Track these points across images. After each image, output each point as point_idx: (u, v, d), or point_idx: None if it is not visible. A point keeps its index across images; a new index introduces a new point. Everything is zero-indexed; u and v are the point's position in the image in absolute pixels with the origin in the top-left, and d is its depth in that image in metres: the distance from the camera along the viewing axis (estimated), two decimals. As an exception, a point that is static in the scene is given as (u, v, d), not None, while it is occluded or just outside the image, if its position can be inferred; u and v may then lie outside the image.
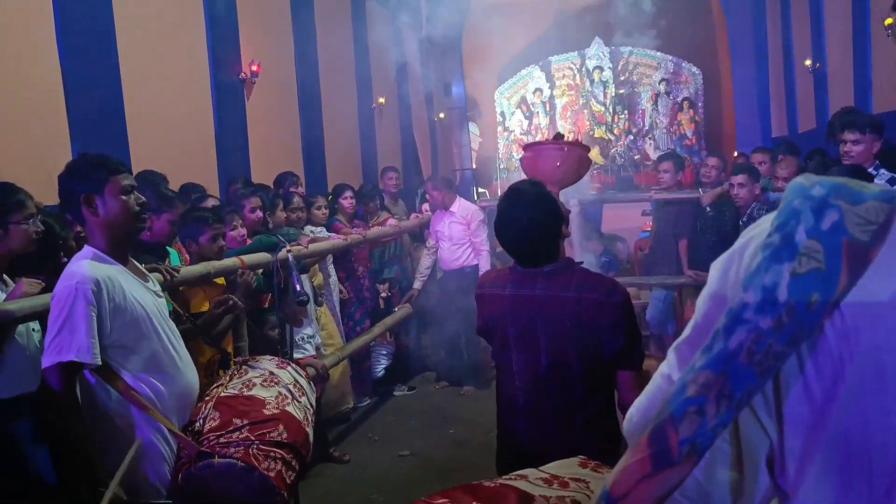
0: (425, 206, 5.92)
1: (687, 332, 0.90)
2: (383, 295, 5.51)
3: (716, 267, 0.88)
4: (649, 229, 6.84)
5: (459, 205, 5.56)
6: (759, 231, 0.84)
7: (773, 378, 0.81)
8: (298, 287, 3.32)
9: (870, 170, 3.60)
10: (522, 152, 4.13)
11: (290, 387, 2.17)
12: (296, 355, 3.73)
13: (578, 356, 1.95)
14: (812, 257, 0.75)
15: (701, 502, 0.87)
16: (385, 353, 5.51)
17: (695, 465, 0.78)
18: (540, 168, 3.88)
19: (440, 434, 4.64)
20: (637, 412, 0.94)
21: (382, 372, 5.47)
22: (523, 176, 11.62)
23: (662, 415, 0.79)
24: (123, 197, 2.07)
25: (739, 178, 4.50)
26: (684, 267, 5.26)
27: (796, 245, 0.76)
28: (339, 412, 4.77)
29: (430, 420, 4.92)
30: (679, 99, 12.67)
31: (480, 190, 11.79)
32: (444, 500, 1.15)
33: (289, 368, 2.29)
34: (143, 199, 2.13)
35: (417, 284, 5.63)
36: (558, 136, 4.14)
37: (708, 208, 5.09)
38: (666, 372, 0.90)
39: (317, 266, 4.63)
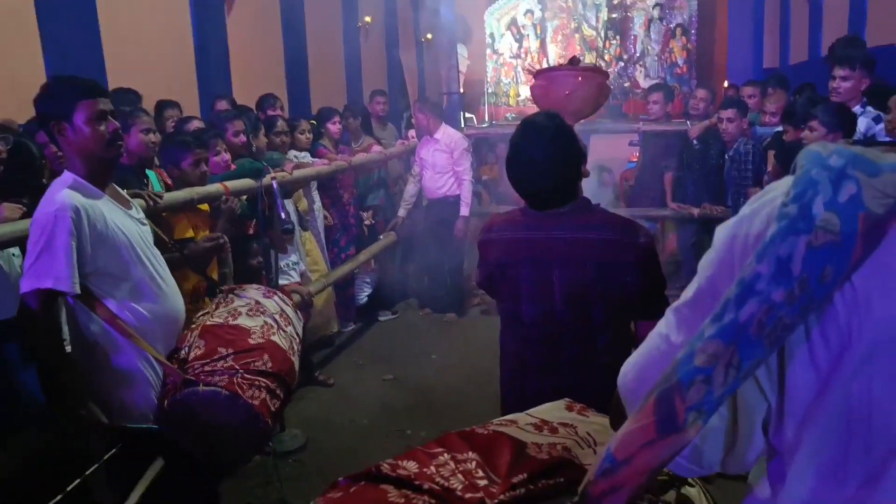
0: (411, 133, 5.84)
1: (689, 294, 0.89)
2: (367, 222, 5.49)
3: (722, 231, 0.87)
4: (636, 160, 6.83)
5: (444, 132, 5.49)
6: (770, 197, 0.83)
7: None
8: (283, 214, 3.29)
9: (856, 107, 3.59)
10: (532, 79, 3.87)
11: (276, 316, 2.19)
12: (280, 282, 3.75)
13: (601, 299, 1.85)
14: (828, 230, 0.75)
15: (693, 459, 0.89)
16: (368, 280, 5.55)
17: (699, 431, 0.79)
18: (553, 97, 3.70)
19: (423, 359, 4.74)
20: (632, 369, 0.94)
21: (365, 299, 5.52)
22: (511, 100, 11.42)
23: (669, 381, 0.80)
24: (94, 123, 2.00)
25: (728, 112, 4.46)
26: (668, 199, 5.28)
27: (814, 217, 0.75)
28: (324, 336, 4.84)
29: (414, 345, 5.02)
30: (672, 25, 12.39)
31: (468, 115, 11.59)
32: (441, 450, 1.16)
33: (275, 297, 2.30)
34: (117, 124, 2.07)
35: (402, 212, 5.62)
36: (574, 61, 3.87)
37: (695, 141, 5.07)
38: (664, 332, 0.91)
39: (301, 192, 4.60)
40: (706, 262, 0.88)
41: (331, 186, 5.08)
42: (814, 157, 0.78)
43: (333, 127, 5.16)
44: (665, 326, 0.91)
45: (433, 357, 4.78)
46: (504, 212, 2.09)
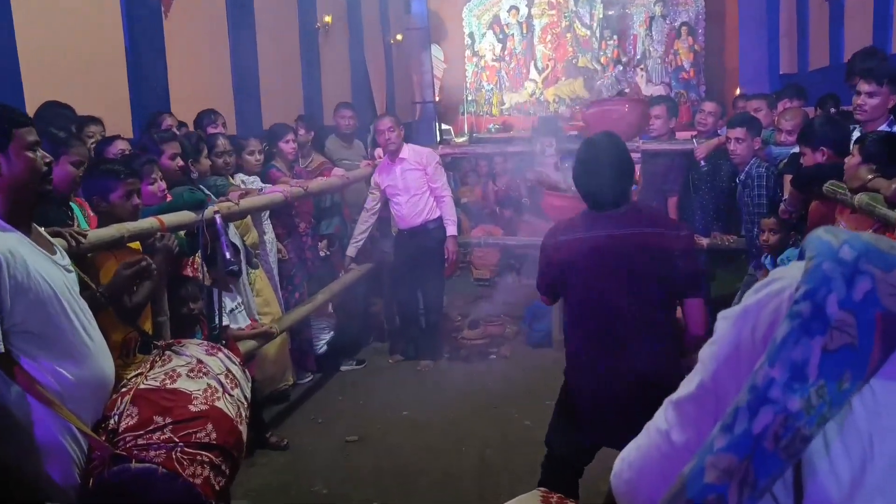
0: (378, 152, 5.92)
1: (691, 388, 0.94)
2: (321, 254, 5.56)
3: (726, 323, 0.92)
4: (635, 183, 6.96)
5: (410, 150, 5.59)
6: (777, 288, 0.87)
7: None
8: (228, 253, 3.32)
9: (883, 126, 3.74)
10: (587, 108, 5.11)
11: (221, 377, 2.22)
12: (232, 325, 3.77)
13: (658, 280, 2.50)
14: (845, 331, 0.79)
15: None
16: (325, 325, 5.57)
17: None
18: (602, 124, 4.44)
19: (393, 416, 4.76)
20: (627, 469, 0.98)
21: (325, 347, 5.53)
22: (494, 110, 11.63)
23: (678, 499, 0.83)
24: (29, 154, 2.04)
25: (737, 132, 4.59)
26: (673, 228, 5.43)
27: (828, 317, 0.79)
28: (277, 390, 4.84)
29: (382, 400, 5.03)
30: (677, 24, 12.68)
31: (444, 127, 11.74)
32: None
33: (220, 355, 2.33)
34: (50, 157, 2.10)
35: (351, 251, 5.67)
36: (621, 94, 4.96)
37: (702, 162, 5.20)
38: (663, 428, 0.95)
39: (250, 221, 4.63)
40: (709, 356, 0.93)
41: (285, 214, 5.13)
42: (825, 249, 0.82)
43: (287, 146, 5.22)
44: (665, 421, 0.95)
45: (405, 413, 4.80)
46: (568, 218, 2.76)
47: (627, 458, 0.99)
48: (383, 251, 6.03)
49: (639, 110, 5.24)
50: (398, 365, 5.75)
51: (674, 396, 0.97)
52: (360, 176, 5.85)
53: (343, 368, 5.65)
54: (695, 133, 5.70)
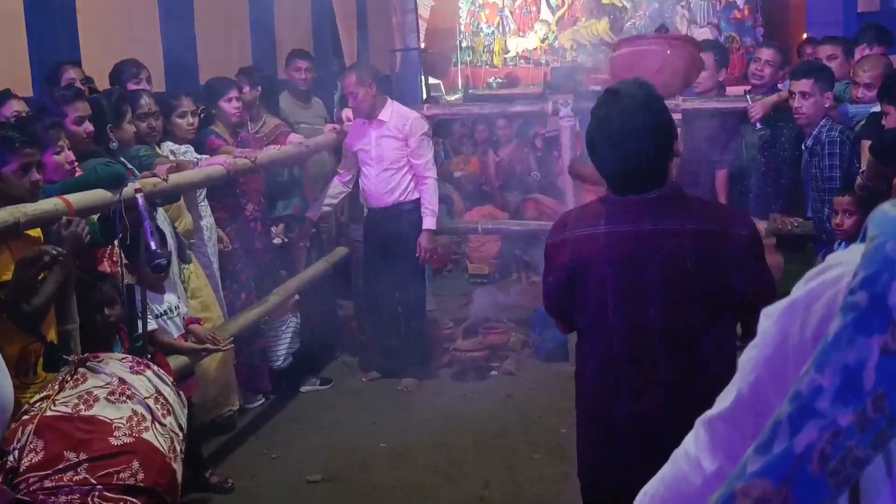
0: (347, 113, 5.93)
1: (725, 403, 0.95)
2: (277, 240, 5.58)
3: (769, 321, 0.93)
4: (676, 153, 6.96)
5: (392, 111, 5.61)
6: (834, 275, 0.88)
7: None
8: (153, 243, 3.33)
9: None
10: (613, 51, 4.58)
11: (150, 402, 2.23)
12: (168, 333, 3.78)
13: (702, 301, 2.33)
14: None
15: None
16: (291, 329, 5.58)
17: None
18: (636, 72, 4.07)
19: (368, 448, 4.78)
20: (650, 502, 1.01)
21: (282, 361, 5.55)
22: (496, 59, 11.67)
23: None
24: None
25: (802, 84, 4.61)
26: (723, 208, 5.45)
27: (890, 310, 0.79)
28: (221, 417, 4.85)
29: (355, 429, 5.05)
30: (727, -52, 12.67)
31: (432, 81, 11.73)
32: None
33: (147, 373, 2.34)
34: None
35: (313, 212, 5.77)
36: (662, 29, 4.50)
37: (759, 125, 5.23)
38: (693, 453, 0.97)
39: (183, 203, 4.63)
40: (748, 362, 0.94)
41: (228, 194, 5.14)
42: (891, 226, 0.83)
43: (229, 107, 5.22)
44: (694, 445, 0.97)
45: (383, 445, 4.82)
46: (579, 206, 2.60)
47: (650, 492, 1.01)
48: (353, 240, 6.05)
49: (687, 54, 4.96)
50: (374, 384, 5.77)
51: (706, 415, 0.99)
52: (324, 144, 5.86)
53: (304, 389, 5.67)
54: (749, 88, 5.71)
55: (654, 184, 2.34)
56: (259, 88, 5.69)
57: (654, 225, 2.33)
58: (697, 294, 2.32)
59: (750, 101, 5.31)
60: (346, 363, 6.11)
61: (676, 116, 6.56)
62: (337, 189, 5.83)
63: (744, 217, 2.45)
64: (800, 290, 0.91)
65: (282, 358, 5.55)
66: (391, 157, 5.58)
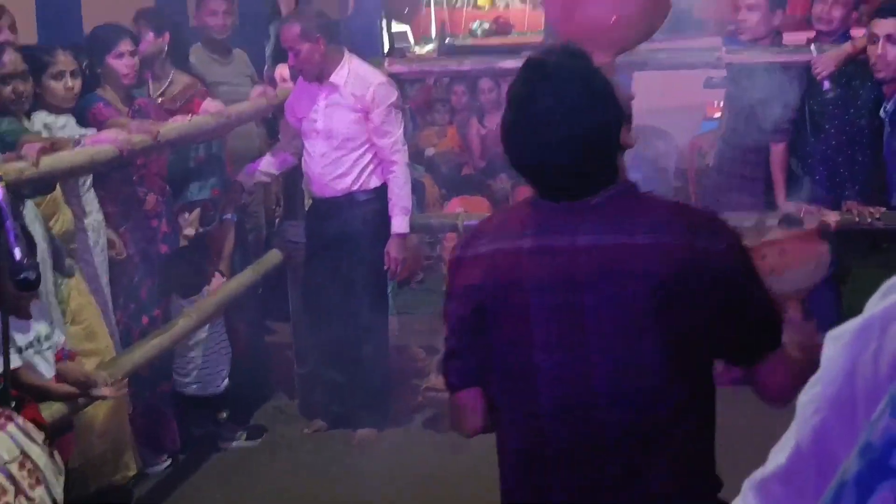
0: (282, 71, 5.93)
1: (781, 458, 0.98)
2: (188, 232, 5.61)
3: (836, 346, 0.95)
4: (717, 116, 6.96)
5: (349, 72, 5.61)
6: None
7: None
8: (18, 251, 3.31)
9: None
10: None
11: (13, 467, 2.22)
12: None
13: (663, 341, 2.20)
14: None
15: None
16: (224, 349, 5.63)
17: None
18: (580, 18, 4.02)
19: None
20: None
21: (226, 381, 5.58)
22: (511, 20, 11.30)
23: None
24: None
25: (885, 24, 4.65)
26: (779, 194, 5.50)
27: None
28: (113, 485, 4.81)
29: (294, 496, 5.04)
30: None
31: (397, 28, 11.69)
32: None
33: (10, 427, 2.34)
34: None
35: (244, 177, 5.87)
36: None
37: (827, 83, 5.27)
38: None
39: (59, 194, 4.60)
40: (808, 404, 0.96)
41: (121, 182, 5.13)
42: None
43: (121, 64, 5.20)
44: None
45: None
46: (502, 210, 2.42)
47: None
48: (290, 242, 6.07)
49: None
50: (319, 437, 5.78)
51: (756, 475, 1.01)
52: (250, 112, 5.87)
53: (225, 446, 5.67)
54: (813, 35, 5.77)
55: (598, 184, 2.26)
56: (166, 36, 5.69)
57: (597, 238, 2.24)
58: (657, 335, 2.20)
59: (815, 53, 5.36)
60: (280, 408, 6.10)
61: (719, 72, 6.67)
62: (275, 159, 5.88)
63: (721, 225, 2.28)
64: (875, 306, 0.93)
65: (222, 381, 5.60)
66: (345, 133, 5.59)
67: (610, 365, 2.22)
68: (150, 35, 5.62)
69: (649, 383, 2.21)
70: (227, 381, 5.64)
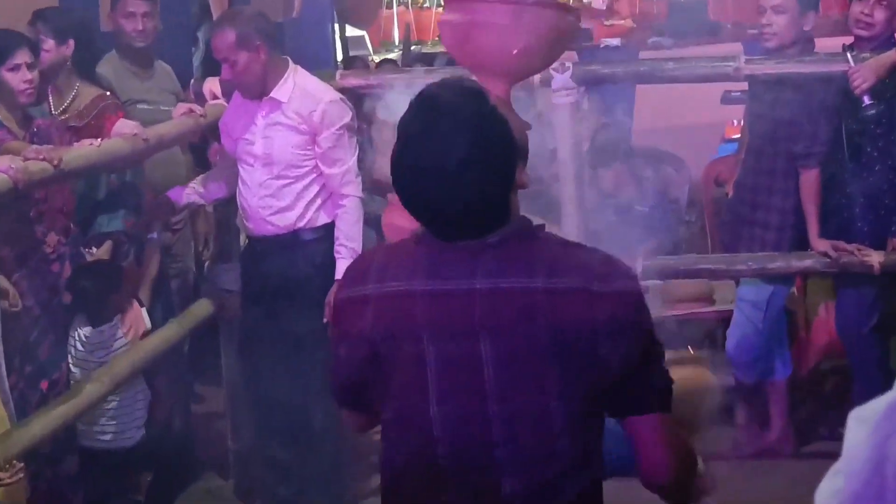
0: (212, 85, 5.93)
1: None
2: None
3: (862, 430, 0.98)
4: (736, 138, 7.04)
5: (294, 86, 5.61)
6: None
7: None
8: None
9: None
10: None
11: None
12: None
13: (564, 395, 2.40)
14: None
15: None
16: (140, 392, 5.64)
17: None
18: (472, 48, 4.15)
19: None
20: None
21: (140, 431, 5.57)
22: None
23: None
24: None
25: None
26: (811, 229, 5.54)
27: None
28: None
29: None
30: None
31: (353, 33, 11.67)
32: None
33: None
34: None
35: (175, 193, 5.85)
36: None
37: (866, 98, 5.33)
38: None
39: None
40: (831, 499, 1.00)
41: (16, 219, 5.13)
42: None
43: (16, 77, 5.18)
44: None
45: None
46: (385, 245, 2.64)
47: None
48: (222, 289, 6.09)
49: (548, 21, 4.42)
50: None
51: None
52: (173, 134, 5.90)
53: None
54: (850, 40, 5.82)
55: (491, 224, 2.45)
56: (70, 43, 5.71)
57: (494, 282, 2.42)
58: (555, 383, 2.40)
59: (852, 62, 5.39)
60: (211, 490, 6.09)
61: (738, 86, 6.69)
62: (216, 176, 5.92)
63: (618, 268, 2.46)
64: None
65: (138, 430, 5.58)
66: (288, 159, 5.58)
67: (507, 414, 2.40)
68: (51, 42, 5.64)
69: (547, 432, 2.40)
70: (143, 431, 5.60)
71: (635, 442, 2.47)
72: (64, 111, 5.70)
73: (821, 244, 5.49)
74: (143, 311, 5.65)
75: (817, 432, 6.05)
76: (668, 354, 2.61)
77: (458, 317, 2.43)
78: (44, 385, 5.19)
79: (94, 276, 5.51)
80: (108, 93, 5.87)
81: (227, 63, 5.50)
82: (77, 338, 5.48)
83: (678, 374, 2.62)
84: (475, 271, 2.42)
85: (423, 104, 2.43)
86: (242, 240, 5.99)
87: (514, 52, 3.99)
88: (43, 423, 4.75)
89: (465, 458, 2.44)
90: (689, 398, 2.88)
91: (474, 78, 3.40)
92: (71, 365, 5.46)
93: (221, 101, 5.88)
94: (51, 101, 5.69)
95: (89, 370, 5.39)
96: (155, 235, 5.86)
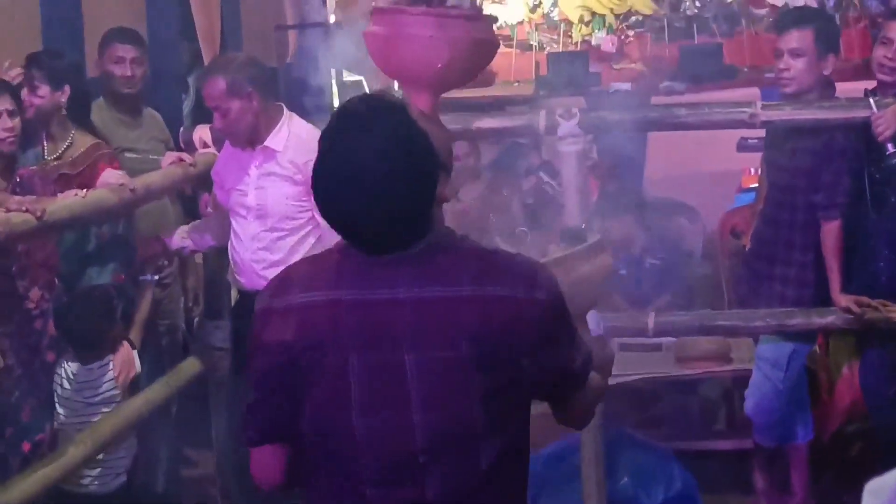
0: (202, 133, 5.90)
1: None
2: None
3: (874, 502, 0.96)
4: (753, 187, 6.99)
5: (290, 135, 5.59)
6: None
7: None
8: None
9: None
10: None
11: None
12: None
13: (483, 395, 2.51)
14: None
15: None
16: (124, 447, 5.55)
17: None
18: (401, 59, 4.23)
19: None
20: None
21: (122, 477, 5.50)
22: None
23: None
24: None
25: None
26: (833, 284, 5.45)
27: None
28: None
29: None
30: None
31: (350, 77, 11.72)
32: None
33: None
34: None
35: (169, 238, 5.91)
36: None
37: (890, 145, 5.24)
38: None
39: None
40: None
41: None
42: None
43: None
44: None
45: None
46: (308, 257, 2.92)
47: None
48: (212, 347, 6.03)
49: (469, 36, 4.38)
50: None
51: None
52: (161, 185, 5.85)
53: None
54: (872, 86, 5.76)
55: (410, 238, 2.56)
56: (66, 89, 5.67)
57: (416, 292, 2.53)
58: (478, 389, 2.52)
59: (875, 108, 5.30)
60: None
61: (755, 133, 6.63)
62: (215, 222, 5.88)
63: (540, 273, 2.62)
64: None
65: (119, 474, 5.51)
66: (282, 210, 5.55)
67: (430, 422, 2.51)
68: (46, 88, 5.62)
69: (470, 438, 2.52)
70: (124, 478, 5.55)
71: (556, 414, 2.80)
72: (58, 158, 5.67)
73: (843, 299, 5.37)
74: (135, 353, 5.60)
75: (841, 501, 5.88)
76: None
77: (381, 327, 2.52)
78: (26, 447, 5.08)
79: (86, 305, 5.47)
80: (103, 142, 5.84)
81: (219, 111, 5.49)
82: (63, 374, 5.43)
83: (586, 269, 3.07)
84: (397, 282, 2.53)
85: (340, 118, 2.55)
86: (233, 295, 5.90)
87: (439, 64, 4.08)
88: (24, 488, 4.71)
89: (389, 466, 2.54)
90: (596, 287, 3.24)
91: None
92: (56, 404, 5.43)
93: (212, 149, 5.88)
94: (45, 147, 5.66)
95: (74, 411, 5.41)
96: (147, 277, 5.83)
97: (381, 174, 2.46)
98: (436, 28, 4.09)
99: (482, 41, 4.21)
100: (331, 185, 2.52)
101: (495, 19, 4.70)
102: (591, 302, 3.22)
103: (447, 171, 2.69)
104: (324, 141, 2.55)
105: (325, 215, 2.59)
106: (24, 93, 5.44)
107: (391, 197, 2.47)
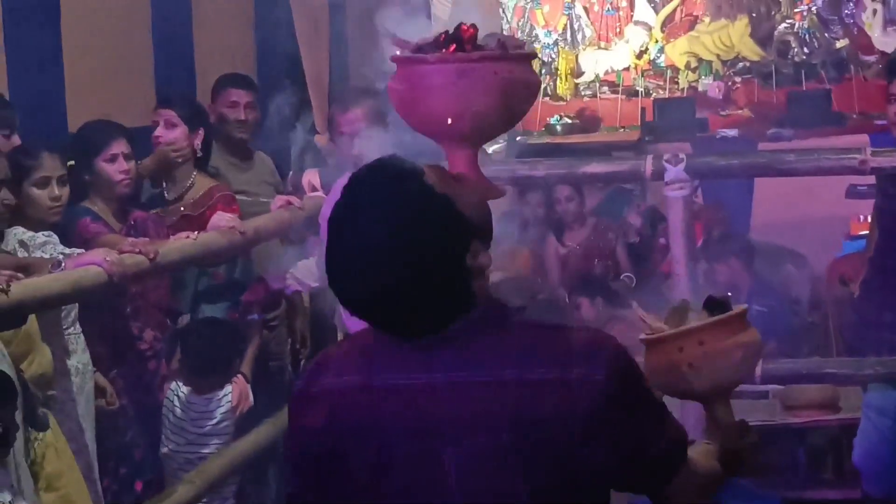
0: (311, 177, 5.98)
1: None
2: None
3: None
4: (863, 234, 7.02)
5: None
6: None
7: None
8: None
9: None
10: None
11: None
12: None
13: (536, 494, 2.25)
14: None
15: None
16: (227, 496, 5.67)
17: None
18: (425, 114, 4.11)
19: None
20: None
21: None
22: (561, 82, 11.76)
23: None
24: None
25: None
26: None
27: None
28: None
29: None
30: None
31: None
32: None
33: None
34: None
35: (278, 281, 5.81)
36: (459, 37, 4.30)
37: None
38: None
39: (35, 330, 4.62)
40: None
41: (112, 314, 5.20)
42: None
43: (113, 168, 5.31)
44: None
45: None
46: (347, 338, 2.54)
47: None
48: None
49: (499, 80, 4.33)
50: None
51: None
52: (270, 227, 5.93)
53: None
54: None
55: (444, 318, 2.32)
56: (200, 133, 5.87)
57: (455, 376, 2.31)
58: (524, 481, 2.27)
59: None
60: None
61: (865, 179, 6.63)
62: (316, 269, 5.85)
63: (601, 347, 2.34)
64: None
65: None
66: None
67: None
68: (184, 128, 5.80)
69: None
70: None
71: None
72: (178, 198, 5.80)
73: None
74: (249, 387, 5.69)
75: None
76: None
77: (417, 415, 2.31)
78: (138, 486, 5.21)
79: (213, 332, 5.60)
80: (223, 185, 5.98)
81: (353, 136, 5.47)
82: (176, 401, 5.54)
83: (727, 343, 2.75)
84: (434, 366, 2.31)
85: (349, 189, 2.34)
86: (339, 338, 5.96)
87: (468, 113, 3.95)
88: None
89: None
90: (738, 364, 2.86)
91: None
92: (166, 431, 5.54)
93: (320, 192, 5.90)
94: (166, 188, 5.83)
95: (186, 440, 5.52)
96: (255, 316, 5.92)
97: (392, 254, 2.23)
98: (457, 76, 4.00)
99: (514, 82, 4.05)
100: (340, 272, 2.32)
101: (533, 55, 4.62)
102: (733, 382, 2.91)
103: (484, 236, 2.37)
104: (332, 215, 2.34)
105: (339, 297, 2.36)
106: (159, 130, 5.64)
107: (407, 278, 2.24)
